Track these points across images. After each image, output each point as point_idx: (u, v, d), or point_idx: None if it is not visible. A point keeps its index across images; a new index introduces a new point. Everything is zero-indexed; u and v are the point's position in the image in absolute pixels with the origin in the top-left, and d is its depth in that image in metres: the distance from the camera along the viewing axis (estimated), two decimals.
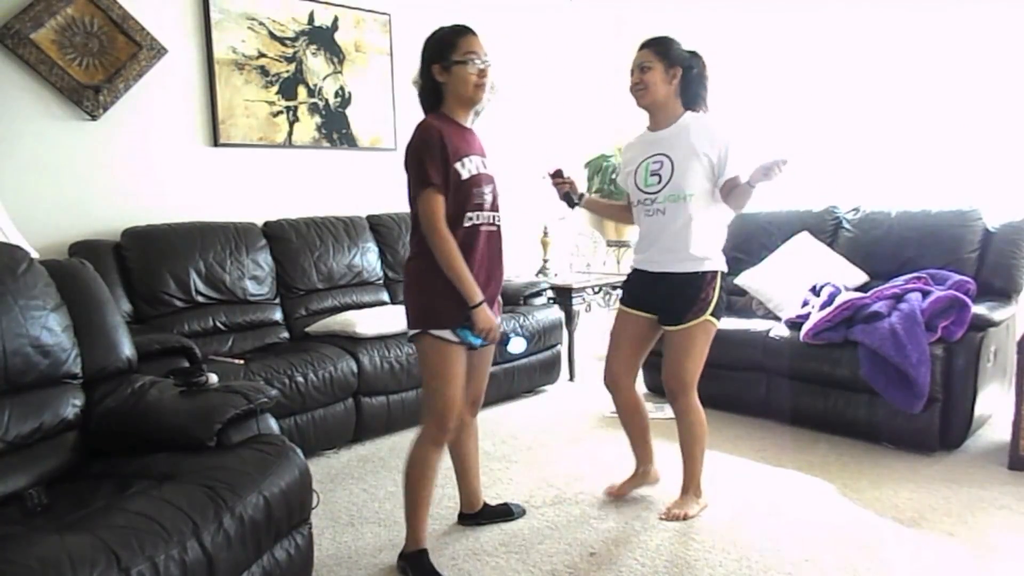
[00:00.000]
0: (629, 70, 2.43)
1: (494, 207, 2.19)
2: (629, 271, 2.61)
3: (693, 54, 2.42)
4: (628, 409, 2.64)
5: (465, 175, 2.08)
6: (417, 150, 2.06)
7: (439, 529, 2.50)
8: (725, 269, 2.48)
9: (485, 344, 2.19)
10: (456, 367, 2.14)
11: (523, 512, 2.58)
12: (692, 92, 2.42)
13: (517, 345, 2.07)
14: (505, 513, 2.55)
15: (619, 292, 4.56)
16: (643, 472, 2.72)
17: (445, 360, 2.12)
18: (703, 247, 2.39)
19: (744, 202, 2.35)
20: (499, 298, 2.31)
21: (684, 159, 2.34)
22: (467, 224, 2.11)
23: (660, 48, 2.36)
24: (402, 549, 2.24)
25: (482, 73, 2.12)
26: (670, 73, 2.36)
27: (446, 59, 2.09)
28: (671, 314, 2.44)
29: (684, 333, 2.42)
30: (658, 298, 2.47)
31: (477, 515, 2.52)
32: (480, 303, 2.06)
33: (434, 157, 2.04)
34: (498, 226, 2.22)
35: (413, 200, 2.09)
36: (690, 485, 2.57)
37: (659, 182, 2.38)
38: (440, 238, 2.04)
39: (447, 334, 2.09)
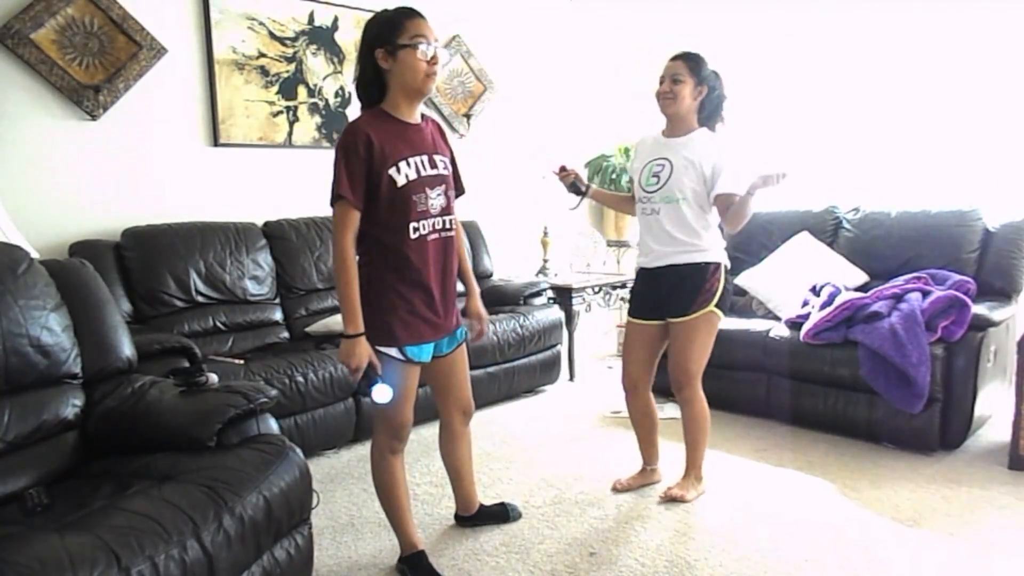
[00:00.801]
0: (659, 77, 2.51)
1: (446, 211, 2.03)
2: (635, 275, 2.68)
3: (716, 75, 2.53)
4: (640, 411, 2.74)
5: (401, 181, 1.92)
6: (337, 157, 1.89)
7: (438, 530, 2.50)
8: (728, 264, 2.57)
9: (435, 353, 2.13)
10: (405, 385, 2.05)
11: (519, 514, 2.55)
12: (709, 111, 2.55)
13: (381, 394, 1.95)
14: (501, 515, 2.52)
15: (619, 292, 4.57)
16: (649, 471, 2.82)
17: (392, 377, 2.01)
18: (701, 241, 2.50)
19: (740, 221, 2.42)
20: (457, 309, 2.18)
21: (683, 165, 2.48)
22: (414, 236, 1.95)
23: (693, 65, 2.48)
24: (400, 553, 2.24)
25: (433, 60, 1.92)
26: (698, 90, 2.49)
27: (391, 43, 1.89)
28: (677, 306, 2.52)
29: (690, 324, 2.51)
30: (664, 293, 2.53)
31: (473, 517, 2.50)
32: (354, 336, 1.89)
33: (353, 167, 1.87)
34: (451, 231, 2.07)
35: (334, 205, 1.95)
36: (691, 471, 2.68)
37: (657, 183, 2.51)
38: (340, 254, 1.90)
39: (393, 352, 2.00)
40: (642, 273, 2.63)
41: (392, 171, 1.92)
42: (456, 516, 2.53)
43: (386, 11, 1.95)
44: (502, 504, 2.57)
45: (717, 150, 2.46)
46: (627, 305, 2.76)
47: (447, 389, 2.28)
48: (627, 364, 2.70)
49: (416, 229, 1.97)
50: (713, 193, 2.46)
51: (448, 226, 2.06)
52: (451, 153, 2.16)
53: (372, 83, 1.96)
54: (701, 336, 2.52)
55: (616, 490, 2.75)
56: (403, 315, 1.99)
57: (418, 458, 3.10)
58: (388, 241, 1.97)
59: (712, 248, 2.52)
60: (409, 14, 1.93)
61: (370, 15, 2.00)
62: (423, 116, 2.08)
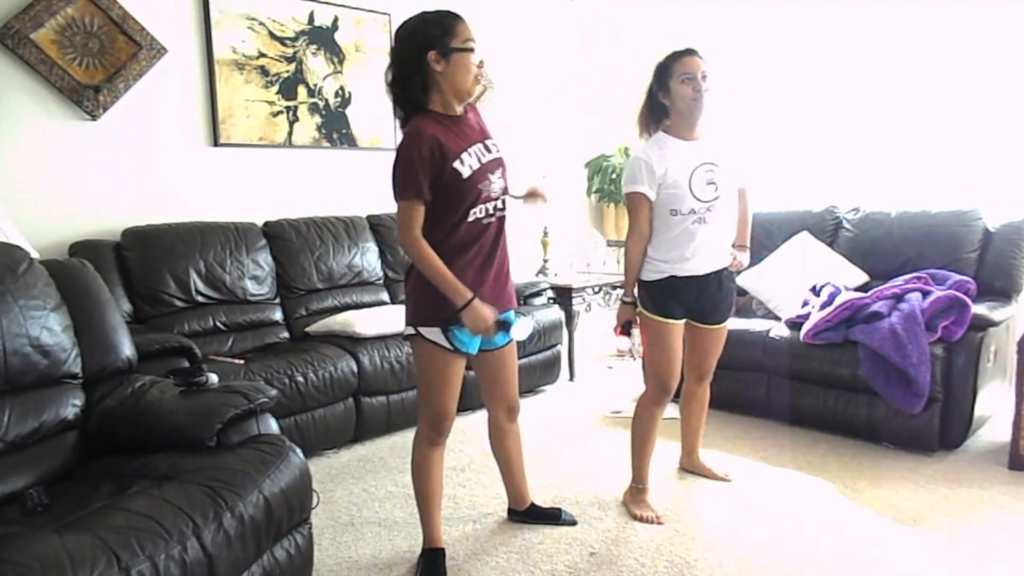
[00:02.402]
0: (684, 75, 2.34)
1: (504, 191, 2.09)
2: (659, 278, 2.45)
3: None
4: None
5: (467, 173, 1.96)
6: (400, 157, 1.94)
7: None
8: None
9: (485, 346, 2.15)
10: (448, 374, 2.08)
11: (574, 520, 2.52)
12: None
13: (521, 329, 1.98)
14: (553, 516, 2.51)
15: (619, 292, 4.56)
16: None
17: (436, 366, 2.06)
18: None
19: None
20: (510, 295, 2.18)
21: (727, 168, 2.43)
22: (470, 219, 2.00)
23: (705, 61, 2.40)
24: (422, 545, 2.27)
25: (480, 64, 1.98)
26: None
27: (444, 46, 1.92)
28: (723, 312, 2.58)
29: (726, 327, 2.63)
30: (708, 299, 2.50)
31: (524, 513, 2.51)
32: (469, 300, 1.94)
33: (417, 166, 1.90)
34: (504, 210, 2.10)
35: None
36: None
37: (715, 191, 2.40)
38: (415, 246, 1.94)
39: (440, 338, 2.02)
40: (680, 280, 2.44)
41: (456, 164, 1.95)
42: (509, 511, 2.55)
43: (430, 13, 1.96)
44: (558, 508, 2.55)
45: (734, 144, 2.51)
46: (641, 309, 2.52)
47: (495, 385, 2.29)
48: (676, 367, 2.51)
49: (475, 213, 2.00)
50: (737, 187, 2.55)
51: (503, 207, 2.09)
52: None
53: (422, 85, 1.96)
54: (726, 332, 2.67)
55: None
56: (446, 299, 1.99)
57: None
58: (444, 228, 1.99)
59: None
60: (459, 18, 1.96)
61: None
62: None
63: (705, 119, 2.43)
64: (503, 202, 2.10)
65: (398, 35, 1.99)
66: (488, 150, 2.06)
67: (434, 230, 1.99)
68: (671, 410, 3.11)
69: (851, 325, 3.15)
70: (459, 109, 2.05)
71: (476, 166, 1.99)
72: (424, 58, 1.92)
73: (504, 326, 2.01)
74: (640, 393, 2.63)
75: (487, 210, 2.04)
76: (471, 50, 1.94)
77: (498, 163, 2.07)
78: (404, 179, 1.93)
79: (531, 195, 2.31)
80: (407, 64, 1.95)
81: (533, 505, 2.53)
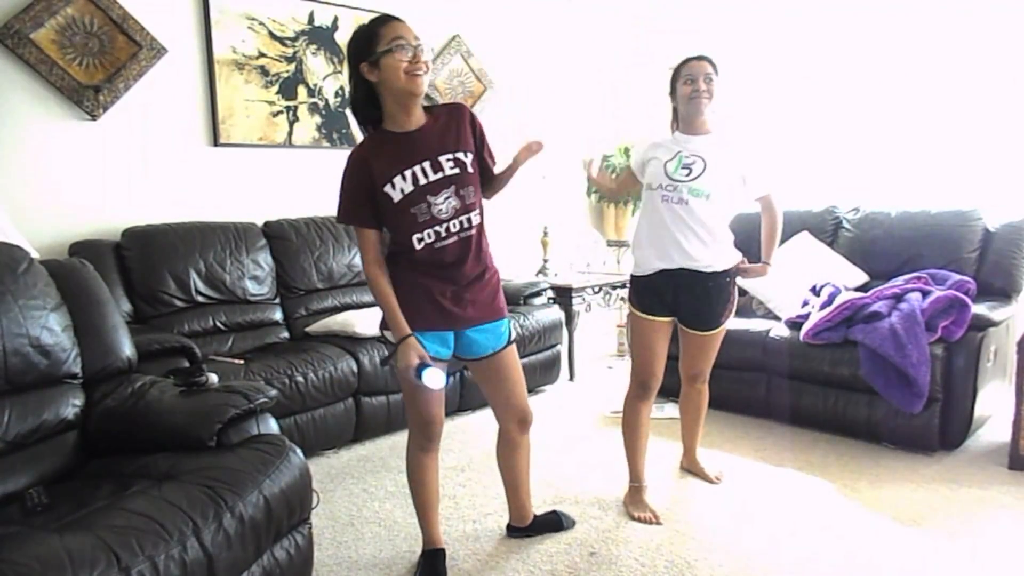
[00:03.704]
0: (686, 76, 2.45)
1: (461, 211, 1.93)
2: (644, 274, 2.53)
3: None
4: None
5: (397, 197, 1.87)
6: (341, 185, 1.96)
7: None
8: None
9: (471, 354, 2.10)
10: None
11: (573, 522, 2.50)
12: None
13: (430, 378, 1.88)
14: (555, 523, 2.47)
15: (619, 292, 4.57)
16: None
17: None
18: (724, 242, 2.52)
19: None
20: (495, 304, 2.10)
21: (717, 164, 2.44)
22: (419, 247, 1.91)
23: (716, 67, 2.48)
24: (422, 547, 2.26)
25: (415, 58, 1.82)
26: (717, 90, 2.48)
27: (372, 53, 1.82)
28: (708, 319, 2.55)
29: (716, 334, 2.60)
30: (691, 302, 2.50)
31: (527, 529, 2.43)
32: (404, 338, 1.91)
33: (351, 191, 1.92)
34: (471, 230, 1.97)
35: None
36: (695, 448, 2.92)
37: (688, 175, 2.44)
38: (365, 274, 1.98)
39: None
40: (661, 275, 2.49)
41: (387, 188, 1.88)
42: (508, 527, 2.45)
43: (362, 25, 1.90)
44: (554, 512, 2.51)
45: (748, 150, 2.51)
46: (628, 303, 2.66)
47: (499, 394, 2.20)
48: (655, 366, 2.57)
49: (421, 240, 1.91)
50: (756, 195, 2.57)
51: (467, 225, 1.96)
52: (473, 132, 2.02)
53: (367, 101, 1.92)
54: (721, 339, 2.64)
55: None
56: (412, 301, 1.96)
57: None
58: (402, 245, 1.95)
59: (730, 250, 2.54)
60: (384, 21, 1.86)
61: (369, 15, 1.97)
62: (432, 110, 1.99)
63: (705, 119, 2.48)
64: (468, 220, 1.95)
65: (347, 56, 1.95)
66: (437, 168, 1.90)
67: (400, 248, 1.96)
68: (674, 410, 3.11)
69: (851, 325, 3.15)
70: (413, 120, 1.92)
71: (409, 189, 1.88)
72: (359, 72, 1.87)
73: (418, 368, 1.92)
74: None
75: (437, 234, 1.91)
76: (393, 50, 1.80)
77: (447, 182, 1.90)
78: (340, 204, 1.97)
79: (525, 154, 2.07)
80: (351, 80, 1.92)
81: (535, 520, 2.45)
